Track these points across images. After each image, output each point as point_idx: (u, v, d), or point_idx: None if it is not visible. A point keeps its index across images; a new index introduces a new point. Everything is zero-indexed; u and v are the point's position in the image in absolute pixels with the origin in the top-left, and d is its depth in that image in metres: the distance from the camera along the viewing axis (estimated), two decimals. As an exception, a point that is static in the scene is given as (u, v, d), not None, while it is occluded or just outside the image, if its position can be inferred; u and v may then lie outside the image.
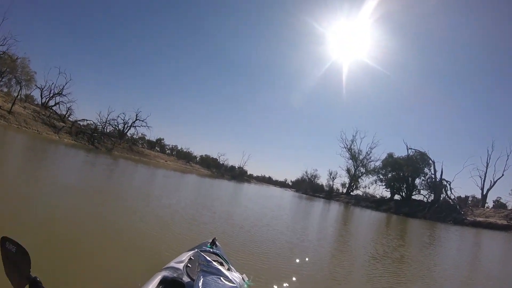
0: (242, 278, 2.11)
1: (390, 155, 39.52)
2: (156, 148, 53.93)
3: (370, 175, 42.30)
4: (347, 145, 45.37)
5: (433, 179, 33.30)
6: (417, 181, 36.35)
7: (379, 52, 52.97)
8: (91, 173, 11.31)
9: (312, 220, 13.31)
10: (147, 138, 51.24)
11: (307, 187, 50.44)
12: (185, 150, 57.69)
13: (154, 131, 67.14)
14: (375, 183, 40.82)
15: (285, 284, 3.45)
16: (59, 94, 35.70)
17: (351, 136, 45.09)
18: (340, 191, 46.90)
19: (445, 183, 31.92)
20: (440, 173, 32.73)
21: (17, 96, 29.48)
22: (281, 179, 75.44)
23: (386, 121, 74.97)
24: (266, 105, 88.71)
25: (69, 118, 35.93)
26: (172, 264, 2.15)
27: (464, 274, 6.39)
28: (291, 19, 57.54)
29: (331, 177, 48.91)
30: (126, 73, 70.40)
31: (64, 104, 35.73)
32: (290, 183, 69.63)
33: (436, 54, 58.91)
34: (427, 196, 34.30)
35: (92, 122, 37.74)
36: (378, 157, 42.48)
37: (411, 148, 36.70)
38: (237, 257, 4.00)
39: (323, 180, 52.08)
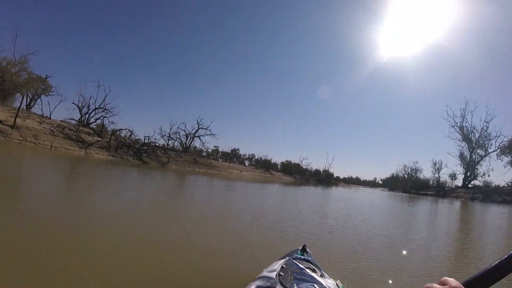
0: (336, 284, 1.99)
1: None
2: (234, 159, 52.28)
3: (499, 158, 29.48)
4: (457, 123, 33.42)
5: None
6: None
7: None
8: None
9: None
10: (221, 150, 50.15)
11: (406, 184, 40.16)
12: (263, 158, 54.18)
13: (223, 140, 66.06)
14: (510, 165, 28.08)
15: None
16: (101, 108, 31.86)
17: (459, 112, 33.48)
18: (450, 184, 34.95)
19: None
20: None
21: (19, 107, 25.29)
22: (369, 178, 70.06)
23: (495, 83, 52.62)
24: (347, 104, 79.61)
25: (107, 131, 32.01)
26: (265, 273, 2.04)
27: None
28: None
29: (436, 168, 36.59)
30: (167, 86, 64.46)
31: (107, 118, 32.05)
32: (380, 182, 63.71)
33: None
34: None
35: (134, 134, 34.30)
36: (497, 132, 30.00)
37: None
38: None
39: (425, 174, 40.32)
